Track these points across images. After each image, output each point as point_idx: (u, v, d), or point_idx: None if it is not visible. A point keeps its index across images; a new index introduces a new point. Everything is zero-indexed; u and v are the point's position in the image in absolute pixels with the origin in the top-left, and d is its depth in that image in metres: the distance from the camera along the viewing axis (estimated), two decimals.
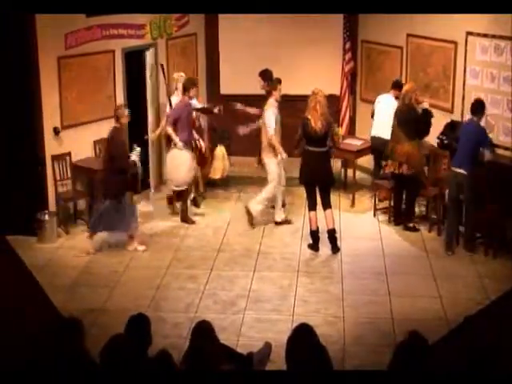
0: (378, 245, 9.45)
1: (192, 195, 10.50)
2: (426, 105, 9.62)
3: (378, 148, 10.62)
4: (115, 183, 8.94)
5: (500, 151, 9.46)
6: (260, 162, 10.62)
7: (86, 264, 8.96)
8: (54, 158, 9.77)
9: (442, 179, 9.68)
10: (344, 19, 11.81)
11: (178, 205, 10.28)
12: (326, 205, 9.21)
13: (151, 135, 10.87)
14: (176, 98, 10.32)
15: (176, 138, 9.81)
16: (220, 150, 10.31)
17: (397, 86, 10.49)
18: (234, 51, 12.15)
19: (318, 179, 9.13)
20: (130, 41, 10.81)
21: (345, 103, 11.96)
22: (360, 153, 10.91)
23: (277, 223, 10.02)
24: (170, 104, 10.26)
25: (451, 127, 9.86)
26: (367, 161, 11.20)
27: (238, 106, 10.75)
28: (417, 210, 10.15)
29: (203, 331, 5.20)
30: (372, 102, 10.88)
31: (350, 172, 11.14)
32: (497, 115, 9.49)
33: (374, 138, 10.69)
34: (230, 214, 10.46)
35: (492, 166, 9.09)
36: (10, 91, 9.33)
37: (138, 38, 10.97)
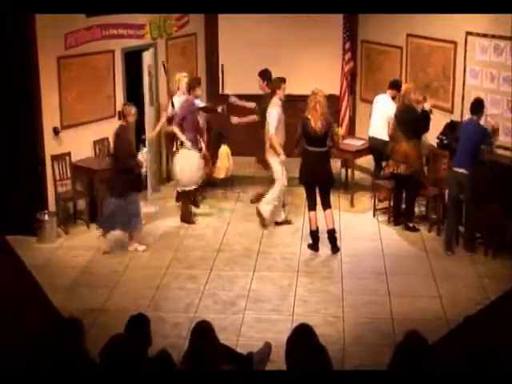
0: (377, 245, 9.45)
1: (193, 196, 10.51)
2: (427, 106, 9.59)
3: (376, 148, 10.63)
4: (121, 182, 8.93)
5: (500, 151, 9.46)
6: (259, 161, 10.64)
7: (86, 264, 8.96)
8: (54, 158, 9.77)
9: (441, 179, 9.68)
10: (344, 19, 11.82)
11: (189, 204, 10.28)
12: (326, 205, 9.20)
13: (149, 134, 10.85)
14: (178, 98, 10.33)
15: (183, 138, 9.81)
16: (224, 150, 10.29)
17: (394, 85, 10.49)
18: (233, 51, 12.15)
19: (318, 179, 9.13)
20: (129, 41, 10.81)
21: (344, 103, 11.97)
22: (359, 153, 10.90)
23: (277, 223, 10.02)
24: (173, 104, 10.25)
25: (451, 127, 9.87)
26: (367, 161, 11.20)
27: (233, 99, 10.76)
28: (417, 209, 10.15)
29: (203, 331, 5.20)
30: (372, 102, 10.88)
31: (350, 172, 11.15)
32: (497, 115, 9.48)
33: (371, 139, 10.71)
34: (230, 214, 10.46)
35: (492, 165, 9.09)
36: (9, 91, 9.33)
37: (138, 38, 10.97)
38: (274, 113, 9.52)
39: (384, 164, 10.39)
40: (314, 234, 9.28)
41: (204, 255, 9.19)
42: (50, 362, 4.63)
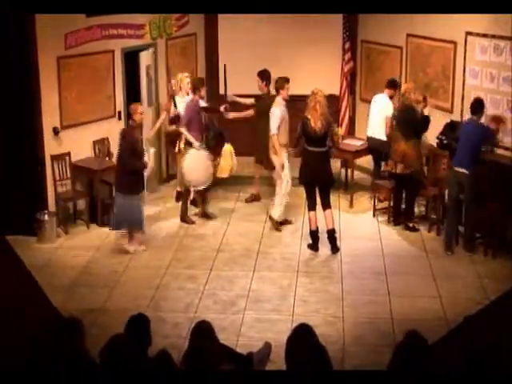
0: (377, 245, 9.45)
1: (192, 195, 10.51)
2: (426, 112, 9.58)
3: (374, 148, 10.64)
4: (125, 183, 8.93)
5: (500, 151, 9.46)
6: (258, 161, 10.64)
7: (86, 264, 8.96)
8: (54, 158, 9.77)
9: (441, 179, 9.69)
10: (344, 19, 11.82)
11: (199, 204, 10.32)
12: (326, 205, 9.20)
13: (147, 133, 10.81)
14: (180, 98, 10.33)
15: (192, 139, 9.82)
16: (228, 148, 10.29)
17: (391, 85, 10.50)
18: (233, 51, 12.15)
19: (318, 179, 9.13)
20: (129, 41, 10.81)
21: (344, 103, 11.96)
22: (359, 153, 10.90)
23: (276, 223, 10.02)
24: (175, 104, 10.25)
25: (451, 127, 9.86)
26: (367, 161, 11.20)
27: (232, 97, 10.74)
28: (416, 209, 10.15)
29: (203, 331, 5.20)
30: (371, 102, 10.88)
31: (350, 172, 11.15)
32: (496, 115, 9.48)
33: (369, 139, 10.72)
34: (230, 214, 10.45)
35: (493, 165, 9.09)
36: (9, 91, 9.33)
37: (138, 38, 10.97)
38: (278, 112, 9.51)
39: (383, 164, 10.41)
40: (314, 234, 9.28)
41: (204, 255, 9.19)
42: (50, 362, 4.63)
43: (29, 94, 9.42)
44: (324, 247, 9.26)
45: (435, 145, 10.02)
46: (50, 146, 9.74)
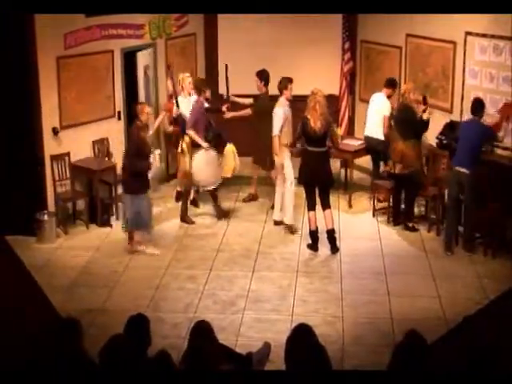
0: (377, 245, 9.45)
1: (192, 196, 10.52)
2: (425, 116, 9.56)
3: (372, 148, 10.64)
4: (131, 183, 8.93)
5: (500, 151, 9.45)
6: (255, 162, 10.64)
7: (85, 264, 8.96)
8: (53, 158, 9.77)
9: (441, 179, 9.69)
10: (343, 19, 11.82)
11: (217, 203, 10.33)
12: (326, 205, 9.20)
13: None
14: (182, 99, 10.33)
15: (200, 140, 9.83)
16: (230, 148, 10.29)
17: (390, 84, 10.51)
18: (233, 51, 12.15)
19: (318, 179, 9.13)
20: (129, 41, 10.81)
21: (344, 103, 11.97)
22: (358, 153, 10.90)
23: (276, 223, 10.02)
24: (177, 104, 10.24)
25: (450, 127, 9.87)
26: (367, 161, 11.20)
27: (230, 96, 10.74)
28: (416, 209, 10.15)
29: (202, 331, 5.20)
30: None
31: (349, 172, 11.15)
32: (496, 115, 9.47)
33: (366, 138, 10.72)
34: (230, 214, 10.45)
35: (493, 165, 9.09)
36: (9, 91, 9.32)
37: (137, 38, 10.97)
38: (280, 113, 9.50)
39: (382, 163, 10.40)
40: (314, 234, 9.28)
41: (203, 255, 9.19)
42: (50, 362, 4.63)
43: (28, 94, 9.42)
44: (323, 247, 9.26)
45: (435, 145, 10.03)
46: (50, 146, 9.74)
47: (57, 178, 9.80)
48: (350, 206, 10.66)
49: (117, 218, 10.17)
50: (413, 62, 11.04)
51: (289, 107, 9.61)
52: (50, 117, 9.68)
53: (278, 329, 7.31)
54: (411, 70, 11.07)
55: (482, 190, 8.94)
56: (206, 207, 10.66)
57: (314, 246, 9.28)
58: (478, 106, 9.00)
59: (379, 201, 10.48)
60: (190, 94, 10.41)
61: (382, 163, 10.70)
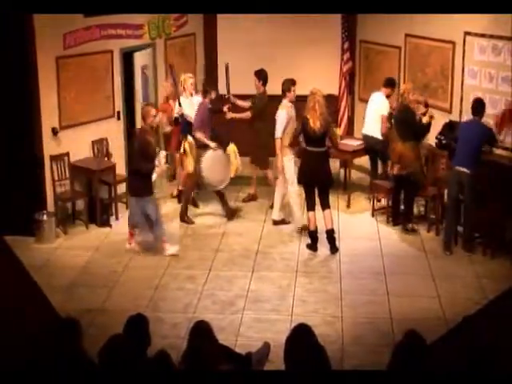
0: (376, 245, 9.45)
1: (192, 196, 10.51)
2: (424, 120, 9.57)
3: (370, 147, 10.64)
4: (136, 185, 8.92)
5: (500, 151, 9.45)
6: (253, 162, 10.63)
7: (85, 264, 8.96)
8: (53, 158, 9.77)
9: (440, 179, 9.69)
10: (342, 19, 11.81)
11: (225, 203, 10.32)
12: (325, 205, 9.21)
13: None
14: (184, 99, 10.32)
15: (207, 141, 9.84)
16: (232, 148, 10.29)
17: (388, 84, 10.51)
18: (232, 51, 12.15)
19: (317, 179, 9.13)
20: (128, 41, 10.81)
21: (343, 103, 11.97)
22: (357, 153, 10.91)
23: (275, 222, 10.02)
24: (180, 104, 10.24)
25: (449, 127, 9.86)
26: (366, 161, 11.21)
27: (231, 98, 10.73)
28: (415, 210, 10.15)
29: (201, 331, 5.20)
30: None
31: (348, 172, 11.15)
32: (495, 115, 9.48)
33: (364, 137, 10.72)
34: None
35: (493, 165, 9.09)
36: (8, 91, 9.32)
37: (137, 38, 10.97)
38: (283, 115, 9.47)
39: (380, 163, 10.40)
40: (313, 234, 9.28)
41: (203, 255, 9.19)
42: (50, 362, 4.63)
43: (27, 94, 9.41)
44: (323, 247, 9.26)
45: (434, 145, 10.03)
46: (49, 147, 9.74)
47: (56, 178, 9.80)
48: (349, 205, 10.66)
49: (116, 218, 10.18)
50: (412, 62, 11.04)
51: (292, 108, 9.60)
52: (49, 117, 9.68)
53: (278, 329, 7.30)
54: (410, 70, 11.07)
55: (481, 190, 8.94)
56: (206, 207, 10.67)
57: (313, 246, 9.29)
58: (478, 106, 8.99)
59: (378, 201, 10.48)
60: (191, 95, 10.42)
61: (380, 163, 10.71)
